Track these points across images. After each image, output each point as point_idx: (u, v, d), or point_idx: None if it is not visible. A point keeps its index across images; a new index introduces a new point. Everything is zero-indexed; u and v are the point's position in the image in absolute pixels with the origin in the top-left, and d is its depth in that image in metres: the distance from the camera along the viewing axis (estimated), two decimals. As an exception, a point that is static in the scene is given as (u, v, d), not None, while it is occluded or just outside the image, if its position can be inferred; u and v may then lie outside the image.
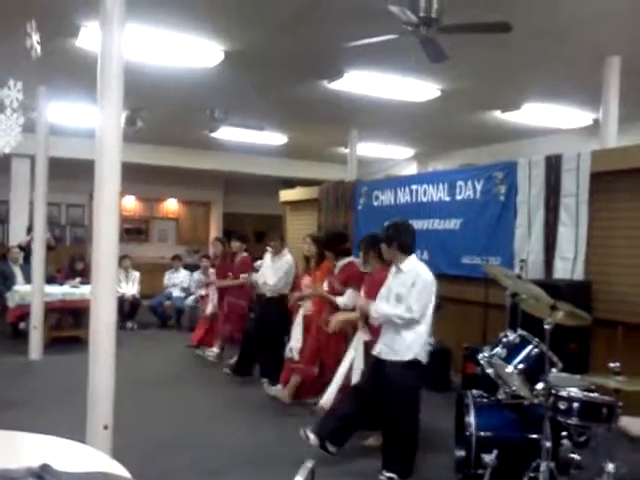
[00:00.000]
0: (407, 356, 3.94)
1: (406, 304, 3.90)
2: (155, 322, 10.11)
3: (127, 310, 9.52)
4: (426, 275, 3.99)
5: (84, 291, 8.06)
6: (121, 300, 8.80)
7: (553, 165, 5.72)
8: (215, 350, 7.61)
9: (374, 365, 4.18)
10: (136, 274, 10.12)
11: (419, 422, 4.07)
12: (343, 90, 7.35)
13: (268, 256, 6.63)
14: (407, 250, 4.08)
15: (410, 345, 3.94)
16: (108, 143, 3.89)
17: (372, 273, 4.71)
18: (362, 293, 4.68)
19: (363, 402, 4.20)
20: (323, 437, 4.16)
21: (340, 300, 5.19)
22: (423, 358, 4.00)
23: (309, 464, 1.71)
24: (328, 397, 4.75)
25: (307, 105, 8.41)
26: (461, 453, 3.74)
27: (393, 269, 4.19)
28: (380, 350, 4.09)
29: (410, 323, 3.92)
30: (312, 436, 4.17)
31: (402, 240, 4.08)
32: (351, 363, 4.70)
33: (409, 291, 3.92)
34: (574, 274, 5.43)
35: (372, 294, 4.36)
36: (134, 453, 3.91)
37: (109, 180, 3.89)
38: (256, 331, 6.56)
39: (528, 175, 5.95)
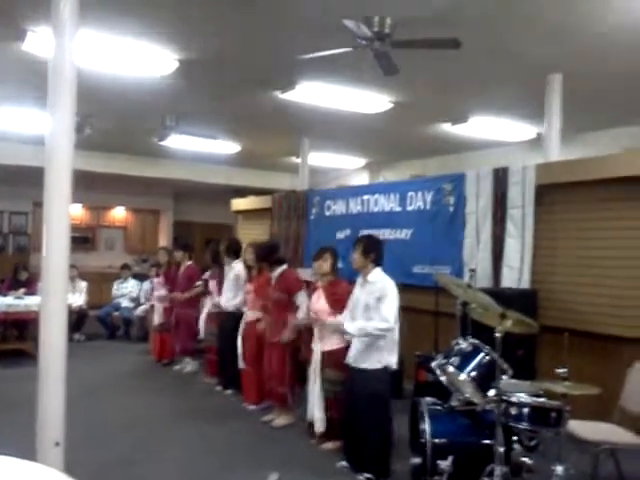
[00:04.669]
0: (380, 363, 4.08)
1: (379, 315, 4.02)
2: (103, 333, 9.85)
3: (74, 321, 9.21)
4: (393, 286, 4.14)
5: (29, 302, 7.83)
6: (68, 311, 8.55)
7: (500, 177, 5.91)
8: (190, 361, 7.52)
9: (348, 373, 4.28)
10: (83, 284, 9.85)
11: (392, 424, 4.21)
12: (295, 101, 7.40)
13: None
14: (379, 263, 4.25)
15: (382, 353, 4.08)
16: (59, 150, 3.81)
17: (331, 285, 4.75)
18: (325, 306, 4.69)
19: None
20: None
21: (300, 316, 5.18)
22: (394, 364, 4.16)
23: (274, 477, 1.72)
24: (319, 419, 4.67)
25: (259, 115, 8.42)
26: (417, 460, 3.80)
27: (359, 280, 4.29)
28: (354, 359, 4.19)
29: (387, 332, 4.03)
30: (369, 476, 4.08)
31: (378, 252, 4.26)
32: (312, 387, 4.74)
33: (380, 301, 4.04)
34: (520, 283, 5.62)
35: (336, 307, 4.52)
36: (86, 470, 3.83)
37: (59, 188, 3.81)
38: (221, 342, 6.56)
39: (476, 187, 6.12)
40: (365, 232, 7.25)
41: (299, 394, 5.36)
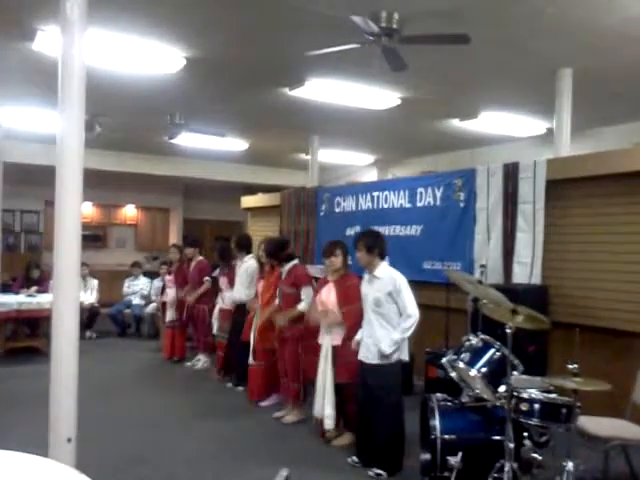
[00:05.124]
0: (393, 358, 4.10)
1: (402, 312, 4.06)
2: (114, 331, 9.92)
3: (86, 319, 9.28)
4: (402, 277, 4.17)
5: (41, 300, 7.90)
6: (79, 309, 8.62)
7: (510, 173, 5.87)
8: (202, 358, 7.55)
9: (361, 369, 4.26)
10: (94, 282, 9.91)
11: (404, 419, 4.21)
12: (304, 98, 7.40)
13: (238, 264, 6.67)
14: (384, 257, 4.27)
15: (395, 347, 4.09)
16: (69, 149, 3.82)
17: (343, 279, 4.76)
18: (334, 300, 4.69)
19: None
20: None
21: (301, 307, 5.21)
22: (406, 356, 4.21)
23: (284, 472, 1.73)
24: (330, 416, 4.64)
25: (268, 112, 8.43)
26: (427, 456, 3.80)
27: (366, 276, 4.31)
28: (367, 355, 4.20)
29: (415, 325, 4.07)
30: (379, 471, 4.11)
31: (381, 246, 4.27)
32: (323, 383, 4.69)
33: (397, 296, 4.08)
34: (532, 278, 5.59)
35: (347, 301, 4.54)
36: (98, 466, 3.87)
37: (70, 187, 3.82)
38: (232, 339, 6.58)
39: (486, 182, 6.09)
40: (374, 228, 7.34)
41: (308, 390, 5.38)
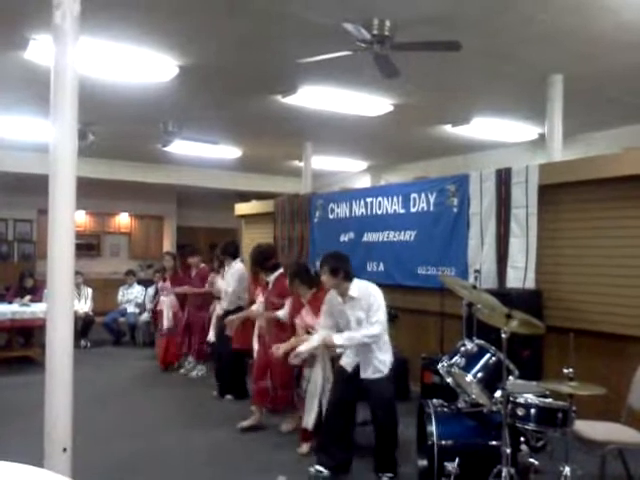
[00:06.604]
0: (387, 370, 4.10)
1: (369, 322, 4.04)
2: (109, 339, 9.89)
3: (80, 328, 9.23)
4: (377, 291, 4.15)
5: (35, 309, 7.86)
6: (74, 318, 8.58)
7: (503, 178, 5.90)
8: (197, 366, 7.55)
9: (351, 380, 4.20)
10: (89, 290, 9.89)
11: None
12: (297, 105, 7.42)
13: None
14: (351, 277, 4.19)
15: (386, 359, 4.12)
16: (62, 158, 3.80)
17: (315, 297, 4.75)
18: (309, 315, 4.70)
19: (350, 414, 4.27)
20: (333, 466, 4.13)
21: (281, 314, 5.19)
22: (391, 364, 4.17)
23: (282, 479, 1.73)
24: (311, 418, 4.60)
25: (261, 119, 8.44)
26: (424, 463, 3.80)
27: (339, 299, 4.23)
28: (362, 369, 4.15)
29: (378, 338, 4.04)
30: (320, 468, 4.09)
31: (346, 267, 4.18)
32: (323, 383, 4.64)
33: (369, 311, 4.05)
34: (525, 283, 5.60)
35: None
36: (94, 476, 3.85)
37: (64, 195, 3.79)
38: (219, 346, 6.54)
39: (479, 187, 6.12)
40: (369, 235, 7.37)
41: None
